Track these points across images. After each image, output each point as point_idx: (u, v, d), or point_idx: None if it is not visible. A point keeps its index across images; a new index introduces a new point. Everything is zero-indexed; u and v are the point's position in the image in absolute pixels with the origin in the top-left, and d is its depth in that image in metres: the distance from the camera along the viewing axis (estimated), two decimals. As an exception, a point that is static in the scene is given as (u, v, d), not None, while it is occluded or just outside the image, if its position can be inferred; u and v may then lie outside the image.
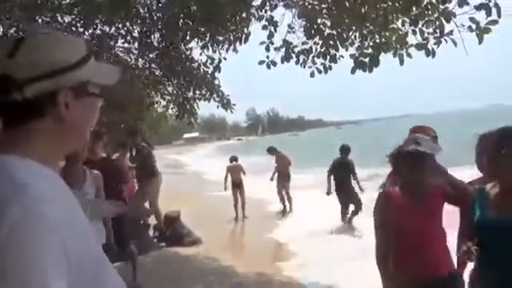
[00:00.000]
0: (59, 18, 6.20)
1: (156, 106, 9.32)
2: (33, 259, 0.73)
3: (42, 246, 0.74)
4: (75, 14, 6.17)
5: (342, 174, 8.27)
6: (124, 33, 6.52)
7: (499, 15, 3.91)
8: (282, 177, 10.58)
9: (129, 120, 9.29)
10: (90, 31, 6.44)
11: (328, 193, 8.48)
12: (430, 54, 4.34)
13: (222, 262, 6.15)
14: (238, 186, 10.24)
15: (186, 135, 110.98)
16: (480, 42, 4.01)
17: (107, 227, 3.98)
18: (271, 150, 10.92)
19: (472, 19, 4.00)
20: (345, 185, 8.23)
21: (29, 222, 0.74)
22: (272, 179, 10.69)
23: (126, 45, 6.87)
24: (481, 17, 3.99)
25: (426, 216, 2.43)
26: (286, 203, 10.59)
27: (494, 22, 3.92)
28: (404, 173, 2.48)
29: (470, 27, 4.02)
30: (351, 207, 8.25)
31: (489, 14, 3.89)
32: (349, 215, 8.23)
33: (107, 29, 6.37)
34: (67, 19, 6.24)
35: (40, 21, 6.03)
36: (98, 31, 6.43)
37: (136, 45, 6.85)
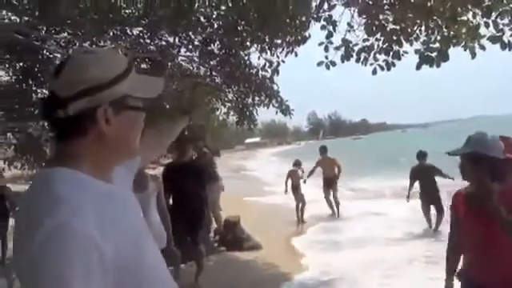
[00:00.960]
0: (128, 31, 6.59)
1: (217, 112, 9.55)
2: (60, 271, 0.76)
3: (69, 258, 0.78)
4: (142, 26, 6.51)
5: (423, 180, 8.23)
6: (186, 42, 6.76)
7: None
8: (328, 181, 10.31)
9: (192, 127, 9.61)
10: (156, 42, 6.76)
11: (408, 199, 8.48)
12: (506, 46, 3.98)
13: (281, 269, 6.10)
14: (295, 189, 10.17)
15: (248, 140, 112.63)
16: None
17: (168, 232, 4.02)
18: (322, 150, 10.61)
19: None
20: (428, 190, 8.13)
21: (59, 234, 0.78)
22: (305, 181, 10.32)
23: (188, 53, 7.13)
24: None
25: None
26: (335, 208, 10.28)
27: None
28: (467, 175, 2.26)
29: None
30: (432, 211, 8.16)
31: None
32: (434, 221, 8.08)
33: (171, 39, 6.64)
34: (135, 31, 6.61)
35: (111, 34, 6.45)
36: (163, 42, 6.73)
37: (197, 53, 7.08)
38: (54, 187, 0.86)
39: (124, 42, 6.70)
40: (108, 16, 5.74)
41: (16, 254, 0.85)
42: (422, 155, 8.39)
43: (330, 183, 10.31)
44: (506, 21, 4.05)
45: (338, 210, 10.27)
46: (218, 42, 6.70)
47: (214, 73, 7.43)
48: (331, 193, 10.35)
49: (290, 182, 10.26)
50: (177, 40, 6.67)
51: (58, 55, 6.98)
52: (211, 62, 7.11)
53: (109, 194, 0.95)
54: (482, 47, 4.24)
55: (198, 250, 5.03)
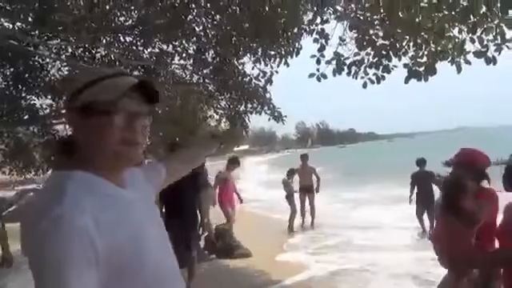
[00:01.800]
0: (121, 38, 6.64)
1: (209, 119, 9.60)
2: (57, 256, 0.86)
3: (66, 245, 0.86)
4: (135, 34, 6.57)
5: (420, 186, 8.64)
6: (180, 50, 6.83)
7: None
8: (305, 189, 10.20)
9: (183, 133, 9.63)
10: (149, 50, 6.82)
11: (410, 202, 8.85)
12: (491, 61, 4.15)
13: (272, 276, 6.14)
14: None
15: (237, 148, 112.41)
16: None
17: None
18: (303, 158, 10.51)
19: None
20: (424, 196, 8.50)
21: (59, 223, 0.87)
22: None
23: (181, 62, 7.21)
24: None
25: None
26: (307, 218, 10.20)
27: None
28: None
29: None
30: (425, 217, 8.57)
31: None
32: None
33: (165, 47, 6.71)
34: (128, 39, 6.66)
35: (104, 41, 6.49)
36: (157, 49, 6.80)
37: (191, 61, 7.15)
38: (64, 185, 0.96)
39: (117, 49, 6.75)
40: (101, 23, 5.80)
41: (24, 239, 0.95)
42: (421, 162, 8.83)
43: (306, 191, 10.19)
44: (490, 37, 4.23)
45: (313, 218, 10.18)
46: (211, 51, 6.77)
47: (207, 80, 7.50)
48: (307, 201, 10.22)
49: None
50: (170, 48, 6.74)
51: (50, 61, 7.00)
52: (204, 71, 7.19)
53: (113, 196, 1.02)
54: (468, 62, 4.41)
55: (191, 257, 5.06)
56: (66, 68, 7.02)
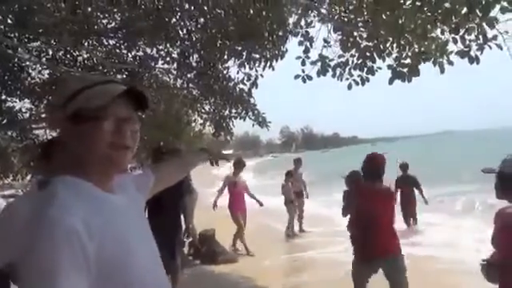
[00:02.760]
0: (104, 41, 6.54)
1: (193, 124, 9.54)
2: (47, 257, 0.86)
3: (56, 246, 0.87)
4: (119, 37, 6.49)
5: (403, 189, 9.22)
6: (164, 54, 6.78)
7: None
8: (297, 195, 9.96)
9: (168, 138, 9.53)
10: (133, 53, 6.74)
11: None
12: (474, 60, 4.23)
13: (258, 282, 6.10)
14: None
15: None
16: (525, 49, 3.89)
17: None
18: (296, 162, 10.43)
19: (515, 26, 3.90)
20: (409, 199, 9.32)
21: (49, 225, 0.88)
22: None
23: (165, 65, 7.14)
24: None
25: None
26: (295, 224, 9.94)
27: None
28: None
29: (513, 34, 3.93)
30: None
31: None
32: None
33: (148, 50, 6.64)
34: (112, 42, 6.57)
35: (86, 44, 6.39)
36: (141, 53, 6.72)
37: (175, 65, 7.10)
38: (55, 189, 0.97)
39: (100, 53, 6.66)
40: (83, 26, 5.71)
41: (17, 239, 0.94)
42: (404, 166, 9.47)
43: (297, 196, 9.98)
44: (472, 36, 4.32)
45: (302, 223, 10.10)
46: (196, 55, 6.73)
47: (191, 85, 7.45)
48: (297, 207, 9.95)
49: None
50: (154, 51, 6.68)
51: (30, 64, 6.85)
52: (188, 75, 7.14)
53: (102, 201, 1.04)
54: (450, 62, 4.48)
55: (174, 263, 4.97)
56: (47, 71, 6.89)
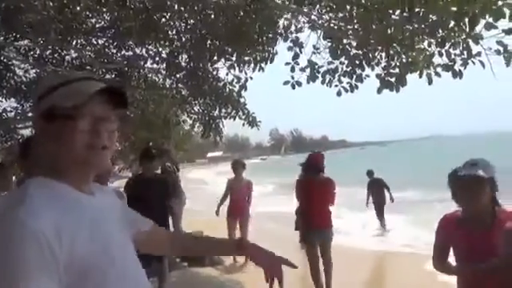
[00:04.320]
0: (93, 41, 6.48)
1: (182, 124, 9.50)
2: (8, 261, 0.83)
3: (19, 249, 0.84)
4: (108, 36, 6.43)
5: (375, 192, 10.46)
6: (153, 54, 6.74)
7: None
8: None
9: (156, 138, 9.49)
10: (122, 53, 6.69)
11: (367, 205, 10.66)
12: (458, 75, 4.30)
13: (245, 285, 6.08)
14: None
15: (210, 154, 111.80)
16: (507, 64, 3.97)
17: None
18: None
19: (499, 42, 3.97)
20: (377, 199, 10.44)
21: (12, 227, 0.86)
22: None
23: (154, 65, 7.11)
24: (509, 41, 3.98)
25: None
26: None
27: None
28: (461, 200, 2.20)
29: (497, 50, 4.00)
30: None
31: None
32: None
33: (138, 50, 6.60)
34: (100, 41, 6.51)
35: (74, 43, 6.33)
36: (130, 52, 6.68)
37: (164, 65, 7.06)
38: (26, 190, 0.95)
39: (89, 52, 6.59)
40: (71, 25, 5.65)
41: None
42: (369, 173, 10.85)
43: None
44: (457, 51, 4.38)
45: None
46: (185, 56, 6.71)
47: (180, 85, 7.42)
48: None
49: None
50: (144, 51, 6.64)
51: (17, 62, 6.76)
52: (178, 75, 7.11)
53: (77, 202, 1.00)
54: (438, 74, 4.54)
55: (161, 266, 4.94)
56: (34, 70, 6.80)
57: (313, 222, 4.97)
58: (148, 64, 7.06)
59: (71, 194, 1.00)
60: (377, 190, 10.41)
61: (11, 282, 0.82)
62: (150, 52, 6.73)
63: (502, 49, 3.94)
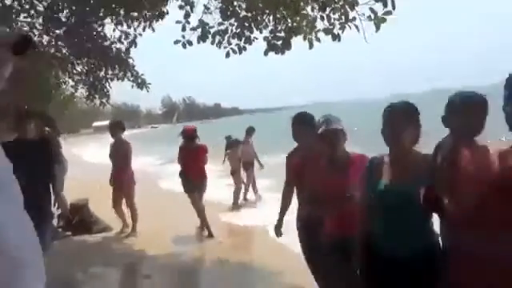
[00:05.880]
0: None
1: (64, 86, 8.76)
2: None
3: None
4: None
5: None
6: (28, 7, 6.02)
7: (394, 7, 4.43)
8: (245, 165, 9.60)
9: (34, 101, 8.63)
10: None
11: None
12: (336, 38, 4.75)
13: (135, 247, 6.09)
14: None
15: (96, 123, 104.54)
16: (377, 29, 4.51)
17: None
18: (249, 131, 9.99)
19: (371, 9, 4.48)
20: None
21: None
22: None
23: (29, 19, 6.36)
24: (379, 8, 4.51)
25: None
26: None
27: (389, 13, 4.42)
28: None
29: (369, 16, 4.51)
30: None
31: (385, 5, 4.40)
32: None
33: (8, 1, 5.85)
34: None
35: None
36: (-1, 3, 5.89)
37: (41, 20, 6.38)
38: None
39: None
40: None
41: None
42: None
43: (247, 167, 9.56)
44: (336, 16, 4.82)
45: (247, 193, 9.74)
46: (66, 10, 6.14)
47: (60, 43, 6.80)
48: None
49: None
50: (16, 3, 5.89)
51: None
52: (57, 31, 6.49)
53: None
54: (318, 39, 4.95)
55: (45, 237, 4.64)
56: None
57: (192, 178, 6.40)
58: (21, 17, 6.30)
59: None
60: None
61: None
62: (24, 5, 6.00)
63: (373, 15, 4.45)
